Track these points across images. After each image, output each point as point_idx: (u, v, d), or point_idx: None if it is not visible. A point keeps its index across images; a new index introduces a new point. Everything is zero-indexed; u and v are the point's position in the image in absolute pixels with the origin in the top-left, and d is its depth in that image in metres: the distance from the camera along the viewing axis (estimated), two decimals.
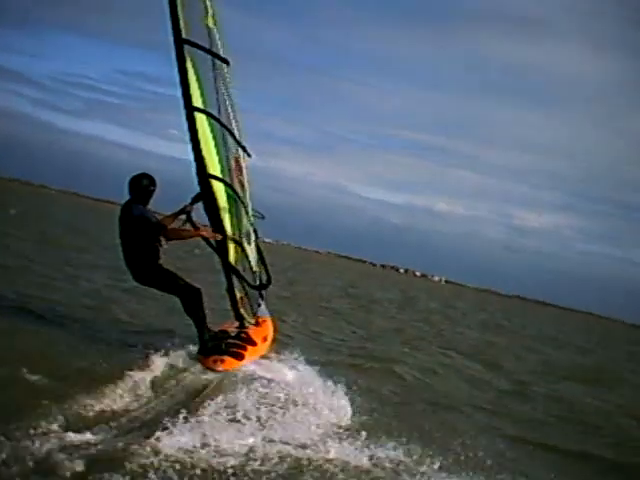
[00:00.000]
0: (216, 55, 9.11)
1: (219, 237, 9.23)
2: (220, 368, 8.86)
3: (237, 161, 9.79)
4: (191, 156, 8.75)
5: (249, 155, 9.98)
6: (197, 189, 9.08)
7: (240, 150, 9.86)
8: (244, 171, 10.05)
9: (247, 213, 9.94)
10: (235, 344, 9.46)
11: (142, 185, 9.12)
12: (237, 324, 10.07)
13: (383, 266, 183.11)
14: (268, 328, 10.56)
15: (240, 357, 9.22)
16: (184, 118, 8.60)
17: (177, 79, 8.47)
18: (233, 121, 9.69)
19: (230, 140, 9.43)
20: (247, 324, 10.05)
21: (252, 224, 10.25)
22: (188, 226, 9.45)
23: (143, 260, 9.14)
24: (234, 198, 9.43)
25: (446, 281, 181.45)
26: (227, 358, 9.06)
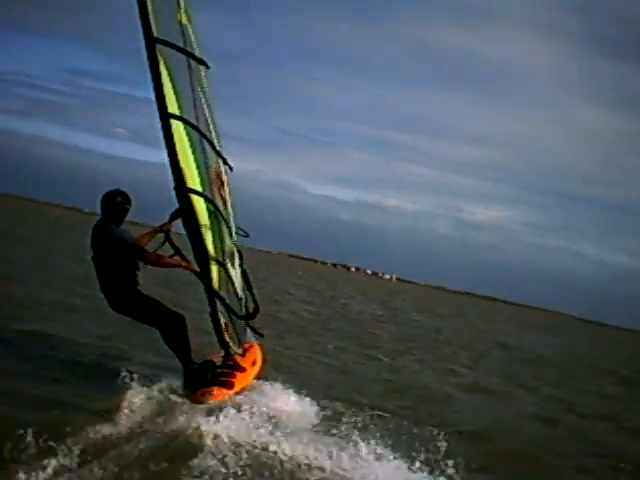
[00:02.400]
0: (192, 55, 8.19)
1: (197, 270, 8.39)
2: (210, 401, 8.08)
3: (218, 174, 8.87)
4: (168, 168, 7.79)
5: (231, 168, 9.17)
6: (172, 203, 8.15)
7: (221, 162, 8.96)
8: (226, 185, 9.13)
9: (230, 232, 9.02)
10: (222, 373, 8.69)
11: (116, 203, 8.29)
12: (222, 353, 9.16)
13: (334, 265, 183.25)
14: (256, 353, 9.69)
15: (230, 385, 8.49)
16: (160, 126, 7.65)
17: (150, 83, 7.53)
18: (212, 129, 8.79)
19: (209, 151, 8.51)
20: (233, 352, 9.14)
21: (236, 244, 9.33)
22: (167, 247, 8.54)
23: (119, 286, 8.27)
24: (215, 215, 8.50)
25: (397, 279, 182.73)
26: (216, 389, 8.29)
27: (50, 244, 34.09)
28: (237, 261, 9.45)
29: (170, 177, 7.81)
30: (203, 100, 8.56)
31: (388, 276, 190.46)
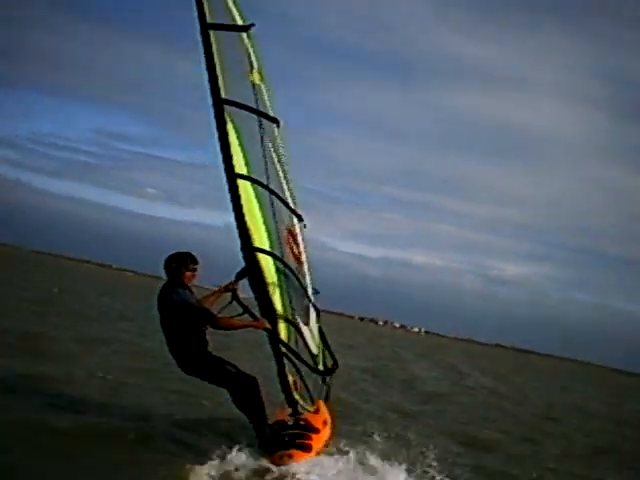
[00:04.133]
0: (263, 115, 8.25)
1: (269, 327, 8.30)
2: (289, 463, 7.95)
3: (291, 232, 8.82)
4: (235, 228, 7.84)
5: (304, 225, 9.06)
6: (239, 263, 8.14)
7: (295, 219, 8.92)
8: (300, 242, 9.06)
9: (305, 289, 8.93)
10: (297, 434, 8.45)
11: (171, 268, 8.23)
12: (289, 411, 8.99)
13: (361, 318, 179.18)
14: (324, 411, 9.47)
15: (308, 449, 8.28)
16: (226, 187, 7.72)
17: (217, 145, 7.64)
18: (285, 187, 8.77)
19: (281, 208, 8.49)
20: (302, 410, 8.97)
21: (312, 302, 9.22)
22: (233, 306, 8.50)
23: (189, 349, 8.16)
24: (284, 273, 8.43)
25: (426, 332, 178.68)
26: (294, 452, 8.11)
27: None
28: (313, 318, 9.33)
29: (236, 236, 7.87)
30: (275, 157, 8.57)
31: (417, 329, 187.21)
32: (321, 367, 9.43)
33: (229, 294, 8.52)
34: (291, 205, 8.78)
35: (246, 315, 8.41)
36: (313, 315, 9.35)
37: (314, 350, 9.19)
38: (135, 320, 25.67)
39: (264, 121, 8.26)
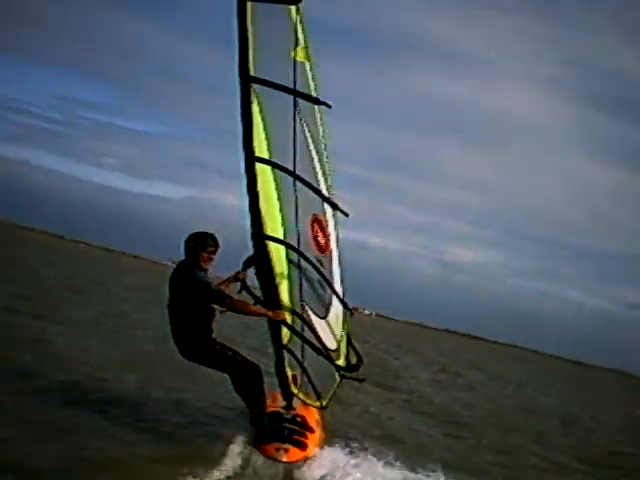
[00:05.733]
0: (300, 94, 7.72)
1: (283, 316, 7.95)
2: (284, 459, 7.74)
3: (318, 220, 8.34)
4: (247, 214, 7.47)
5: (345, 214, 8.10)
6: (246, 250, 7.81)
7: (327, 207, 8.42)
8: (330, 232, 8.59)
9: (327, 281, 8.49)
10: (294, 430, 8.17)
11: (188, 246, 8.00)
12: (281, 401, 8.70)
13: None
14: (315, 413, 9.14)
15: (304, 447, 8.02)
16: (243, 170, 7.33)
17: (239, 123, 7.23)
18: (320, 173, 8.29)
19: (309, 195, 8.02)
20: (298, 403, 8.68)
21: (337, 294, 8.77)
22: (244, 294, 8.19)
23: (194, 333, 7.94)
24: (298, 263, 8.02)
25: (377, 314, 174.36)
26: (291, 448, 7.85)
27: None
28: (335, 311, 8.90)
29: (248, 222, 7.51)
30: (311, 142, 8.09)
31: (368, 312, 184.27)
32: (342, 362, 9.06)
33: (238, 283, 8.23)
34: (324, 193, 8.30)
35: (258, 305, 8.09)
36: (336, 309, 8.93)
37: (331, 345, 8.80)
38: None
39: (302, 102, 7.76)
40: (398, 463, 8.57)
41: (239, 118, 7.19)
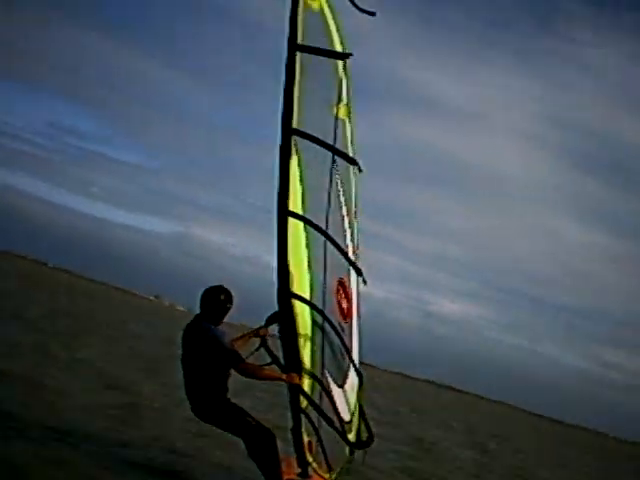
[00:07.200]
0: (340, 153, 7.58)
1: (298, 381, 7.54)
2: None
3: (342, 284, 8.05)
4: (275, 269, 7.18)
5: (364, 281, 8.16)
6: (271, 307, 7.47)
7: (352, 272, 8.15)
8: (352, 298, 8.28)
9: (347, 349, 8.14)
10: None
11: (219, 301, 7.52)
12: (296, 468, 8.22)
13: None
14: None
15: None
16: (275, 222, 7.08)
17: (277, 175, 7.02)
18: (348, 235, 8.05)
19: (336, 257, 7.75)
20: (311, 472, 8.19)
21: (354, 364, 8.41)
22: (261, 353, 7.81)
23: (208, 392, 7.49)
24: (322, 326, 7.69)
25: (360, 363, 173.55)
26: None
27: None
28: (351, 382, 8.51)
29: (275, 278, 7.22)
30: (343, 202, 7.87)
31: None
32: (352, 436, 8.62)
33: (258, 339, 7.86)
34: (351, 256, 8.04)
35: (274, 365, 7.73)
36: (352, 379, 8.54)
37: (346, 416, 8.37)
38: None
39: (338, 160, 7.59)
40: None
41: (277, 170, 7.03)
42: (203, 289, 7.58)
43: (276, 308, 7.42)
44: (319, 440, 8.06)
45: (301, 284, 7.34)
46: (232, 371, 7.52)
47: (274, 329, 7.64)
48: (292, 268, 7.13)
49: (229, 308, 7.57)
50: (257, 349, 7.80)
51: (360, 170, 7.94)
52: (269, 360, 7.74)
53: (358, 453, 8.55)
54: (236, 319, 7.71)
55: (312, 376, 7.70)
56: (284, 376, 7.52)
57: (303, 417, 7.79)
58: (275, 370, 7.68)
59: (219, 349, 7.36)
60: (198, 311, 7.63)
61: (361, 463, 8.72)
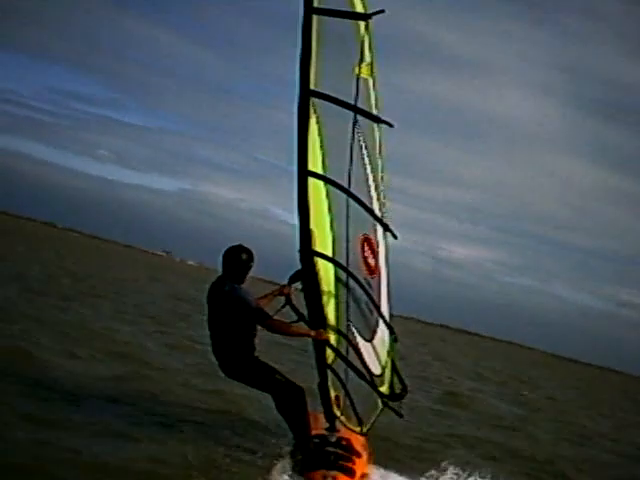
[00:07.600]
0: (361, 111, 7.63)
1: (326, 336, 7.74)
2: None
3: (368, 240, 8.16)
4: (297, 228, 7.36)
5: (394, 236, 8.26)
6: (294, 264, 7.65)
7: (378, 227, 8.25)
8: (380, 253, 8.39)
9: (374, 303, 8.29)
10: (342, 455, 7.75)
11: (241, 260, 7.72)
12: (323, 422, 8.42)
13: None
14: (360, 437, 8.81)
15: (352, 474, 7.57)
16: (295, 183, 7.23)
17: (295, 137, 7.15)
18: (374, 193, 8.13)
19: (361, 214, 7.86)
20: (340, 426, 8.40)
21: (383, 318, 8.56)
22: (286, 311, 8.02)
23: (236, 350, 7.74)
24: (346, 282, 7.84)
25: None
26: (338, 475, 7.44)
27: None
28: (380, 336, 8.66)
29: (297, 237, 7.39)
30: (367, 160, 7.95)
31: None
32: (385, 389, 8.78)
33: (282, 298, 8.07)
34: (377, 213, 8.14)
35: (301, 323, 7.94)
36: (382, 333, 8.70)
37: (376, 370, 8.55)
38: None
39: (361, 119, 7.65)
40: None
41: (295, 130, 7.13)
42: (225, 249, 7.81)
43: (298, 266, 7.62)
44: (347, 394, 8.24)
45: (324, 242, 7.50)
46: (258, 330, 7.77)
47: (297, 285, 7.85)
48: (313, 227, 7.30)
49: (251, 267, 7.78)
50: (283, 306, 8.00)
51: (391, 125, 7.92)
52: (295, 318, 7.97)
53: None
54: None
55: (337, 331, 7.89)
56: (312, 332, 7.71)
57: (329, 373, 8.01)
58: (302, 327, 7.89)
59: (246, 309, 7.58)
60: (209, 266, 7.90)
61: (399, 419, 8.89)
